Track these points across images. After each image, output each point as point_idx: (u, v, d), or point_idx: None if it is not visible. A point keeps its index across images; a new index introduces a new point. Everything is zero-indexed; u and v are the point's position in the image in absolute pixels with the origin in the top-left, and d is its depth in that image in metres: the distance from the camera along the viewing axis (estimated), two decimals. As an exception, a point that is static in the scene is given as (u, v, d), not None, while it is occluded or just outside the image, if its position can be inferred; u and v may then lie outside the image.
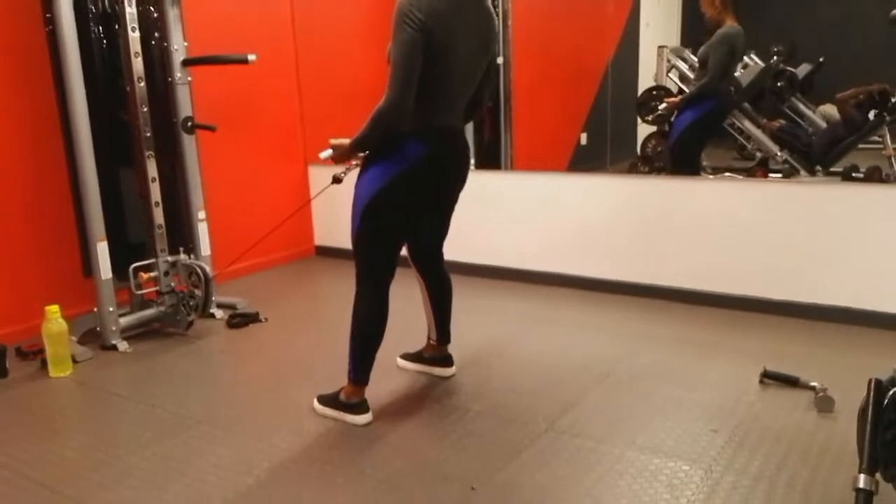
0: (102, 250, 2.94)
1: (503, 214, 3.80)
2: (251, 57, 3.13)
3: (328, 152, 2.17)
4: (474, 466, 2.00)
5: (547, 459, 2.02)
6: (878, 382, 1.61)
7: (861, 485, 1.51)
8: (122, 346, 3.01)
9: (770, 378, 2.42)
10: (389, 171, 2.07)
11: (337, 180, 2.25)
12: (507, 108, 4.77)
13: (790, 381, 2.39)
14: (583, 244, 3.59)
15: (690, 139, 4.34)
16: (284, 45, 4.25)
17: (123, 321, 3.07)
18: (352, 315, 2.22)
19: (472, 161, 2.48)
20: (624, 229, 3.46)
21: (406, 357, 2.68)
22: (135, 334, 3.14)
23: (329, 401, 2.33)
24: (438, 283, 2.50)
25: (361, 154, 2.16)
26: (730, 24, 4.16)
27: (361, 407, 2.27)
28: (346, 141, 2.12)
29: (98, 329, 3.02)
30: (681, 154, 4.39)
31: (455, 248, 2.54)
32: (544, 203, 3.70)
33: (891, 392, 1.59)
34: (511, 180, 3.94)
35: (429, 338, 2.61)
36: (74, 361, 2.84)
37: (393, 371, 2.64)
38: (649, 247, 3.40)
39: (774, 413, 2.24)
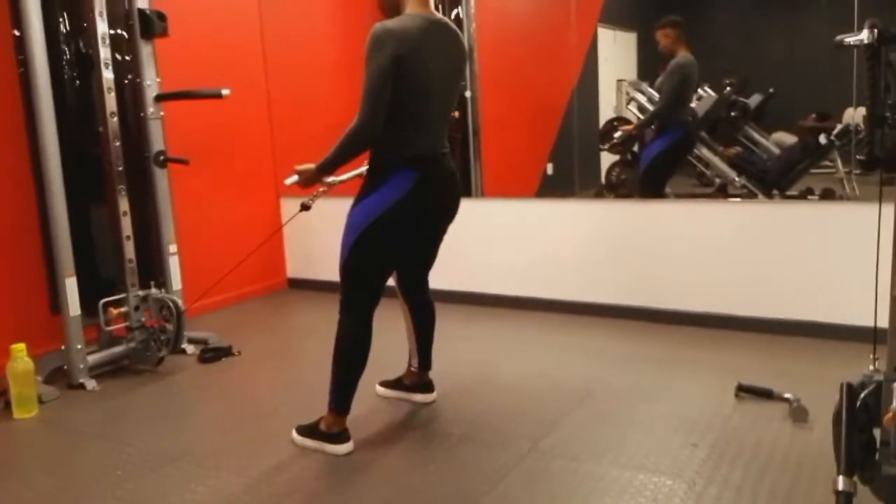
0: (71, 286, 2.87)
1: (477, 241, 3.83)
2: (225, 91, 3.15)
3: (294, 178, 2.20)
4: (460, 491, 1.98)
5: (531, 481, 2.02)
6: (850, 386, 1.66)
7: (840, 487, 1.54)
8: (90, 384, 2.92)
9: (745, 391, 2.47)
10: (383, 201, 2.08)
11: (305, 207, 2.27)
12: (476, 140, 4.86)
13: (764, 394, 2.44)
14: (556, 268, 3.64)
15: (659, 168, 4.48)
16: (256, 78, 4.28)
17: (91, 359, 2.99)
18: (335, 342, 2.20)
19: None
20: (596, 253, 3.52)
21: (385, 384, 2.66)
22: (103, 372, 3.06)
23: (309, 431, 2.29)
24: (423, 309, 2.51)
25: (329, 180, 2.20)
26: (682, 55, 4.38)
27: (342, 436, 2.23)
28: (311, 166, 2.15)
29: (65, 367, 2.93)
30: (649, 182, 4.53)
31: (432, 275, 2.54)
32: (517, 229, 3.76)
33: (862, 395, 1.64)
34: (485, 207, 3.98)
35: (410, 364, 2.60)
36: (40, 402, 2.74)
37: (372, 399, 2.62)
38: (622, 269, 3.47)
39: (751, 425, 2.28)
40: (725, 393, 2.50)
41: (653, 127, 4.91)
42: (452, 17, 4.69)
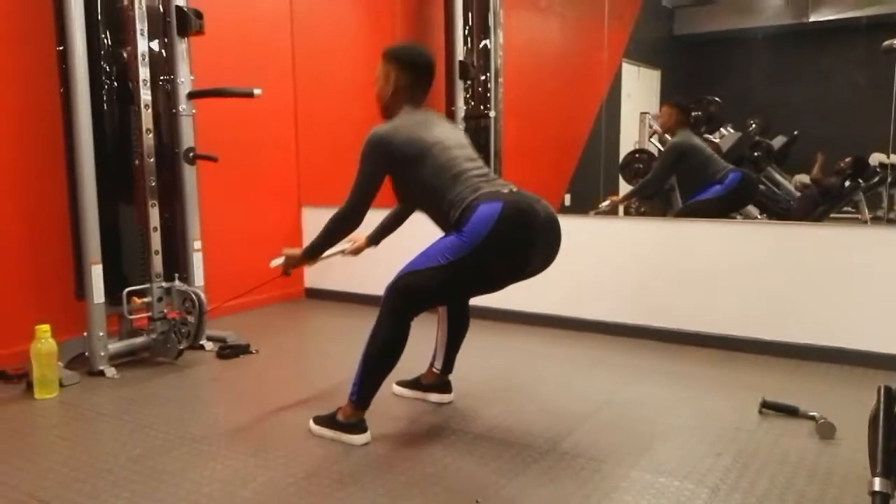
0: (97, 273, 2.91)
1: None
2: (257, 91, 3.21)
3: (279, 260, 2.39)
4: (478, 482, 1.95)
5: (552, 477, 1.99)
6: (889, 390, 1.64)
7: (877, 487, 1.51)
8: (110, 371, 2.93)
9: (769, 408, 2.43)
10: (477, 230, 2.04)
11: (286, 273, 2.46)
12: (497, 163, 4.90)
13: (790, 411, 2.39)
14: (580, 287, 3.62)
15: (706, 208, 4.34)
16: (284, 85, 4.37)
17: (112, 347, 3.01)
18: (370, 338, 2.18)
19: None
20: (621, 272, 3.50)
21: (402, 384, 2.64)
22: (123, 362, 3.07)
23: (326, 421, 2.28)
24: (460, 317, 2.54)
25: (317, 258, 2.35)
26: (680, 134, 4.52)
27: (360, 426, 2.22)
28: (297, 251, 2.36)
29: (86, 354, 2.95)
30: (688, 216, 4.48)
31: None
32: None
33: (899, 399, 1.62)
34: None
35: (432, 365, 2.59)
36: (61, 385, 2.75)
37: (389, 397, 2.60)
38: (647, 290, 3.44)
39: (776, 439, 2.23)
40: (749, 409, 2.46)
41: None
42: (481, 47, 4.79)
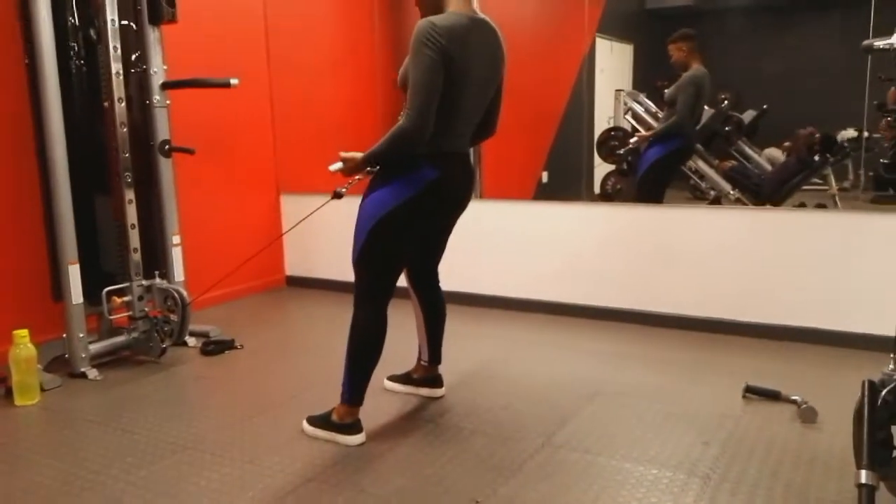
0: (74, 273, 2.84)
1: (486, 244, 3.83)
2: (234, 81, 3.13)
3: (338, 165, 2.13)
4: (475, 481, 1.98)
5: (548, 473, 2.02)
6: (871, 383, 1.68)
7: (863, 480, 1.56)
8: (92, 373, 2.88)
9: (752, 393, 2.50)
10: (401, 192, 2.07)
11: (338, 196, 2.21)
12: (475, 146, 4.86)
13: (772, 396, 2.46)
14: (564, 272, 3.65)
15: (657, 175, 4.51)
16: (258, 72, 4.26)
17: (93, 348, 2.95)
18: (350, 335, 2.19)
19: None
20: (604, 257, 3.54)
21: (394, 379, 2.65)
22: (104, 362, 3.02)
23: (320, 422, 2.28)
24: (433, 303, 2.51)
25: (369, 169, 2.13)
26: (696, 67, 4.41)
27: (355, 427, 2.22)
28: (357, 155, 2.09)
29: (66, 356, 2.89)
30: (647, 190, 4.55)
31: (443, 277, 2.54)
32: (525, 232, 3.77)
33: (883, 392, 1.67)
34: (494, 210, 3.94)
35: (420, 359, 2.60)
36: (42, 390, 2.70)
37: (380, 393, 2.60)
38: (628, 273, 3.49)
39: (761, 425, 2.30)
40: (733, 394, 2.53)
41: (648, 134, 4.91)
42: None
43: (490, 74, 2.17)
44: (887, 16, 3.62)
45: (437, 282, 2.52)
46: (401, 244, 2.18)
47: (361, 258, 2.16)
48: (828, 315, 3.07)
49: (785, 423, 2.31)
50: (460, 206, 2.31)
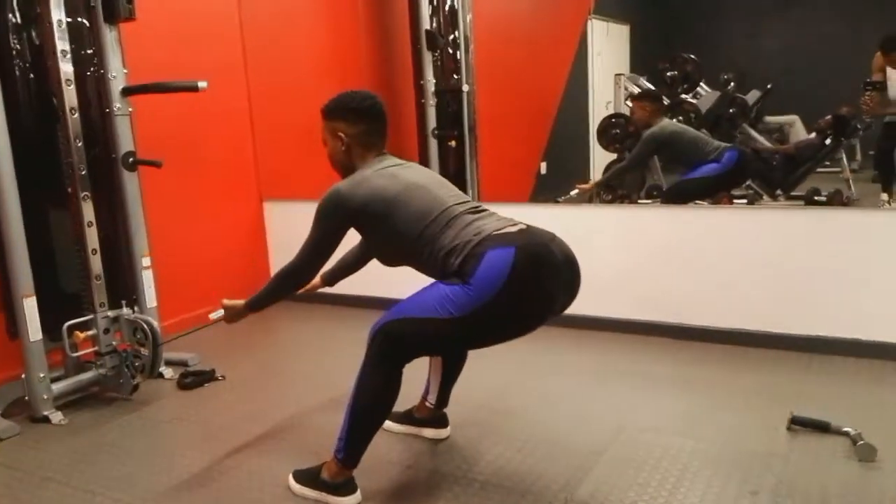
0: (30, 307, 2.53)
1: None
2: (202, 84, 2.79)
3: (219, 313, 2.16)
4: (492, 554, 1.70)
5: (575, 541, 1.74)
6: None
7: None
8: (56, 417, 2.58)
9: (798, 424, 2.21)
10: (486, 285, 1.73)
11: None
12: (473, 138, 4.56)
13: (821, 427, 2.18)
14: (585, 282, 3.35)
15: (703, 189, 4.22)
16: (234, 72, 3.92)
17: (56, 388, 2.64)
18: (355, 391, 1.88)
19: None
20: (622, 263, 3.22)
21: (393, 418, 2.34)
22: (71, 401, 2.72)
23: (309, 479, 1.99)
24: (458, 355, 2.25)
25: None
26: (658, 125, 4.27)
27: (348, 487, 1.93)
28: (239, 302, 2.10)
29: (26, 398, 2.59)
30: (682, 194, 4.30)
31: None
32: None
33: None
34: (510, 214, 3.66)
35: (425, 399, 2.30)
36: (-2, 440, 2.40)
37: (379, 434, 2.25)
38: (649, 281, 3.17)
39: (812, 466, 2.02)
40: (777, 425, 2.24)
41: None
42: (447, 8, 4.39)
43: (433, 175, 2.05)
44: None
45: None
46: (465, 341, 1.99)
47: (406, 333, 1.87)
48: (865, 324, 2.78)
49: (839, 462, 2.03)
50: (571, 280, 1.93)
